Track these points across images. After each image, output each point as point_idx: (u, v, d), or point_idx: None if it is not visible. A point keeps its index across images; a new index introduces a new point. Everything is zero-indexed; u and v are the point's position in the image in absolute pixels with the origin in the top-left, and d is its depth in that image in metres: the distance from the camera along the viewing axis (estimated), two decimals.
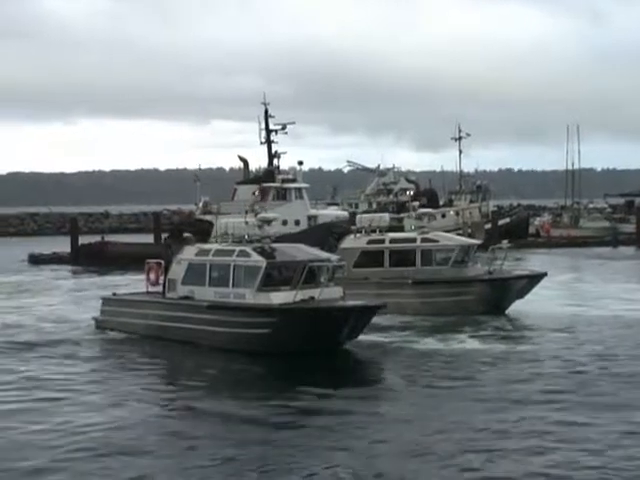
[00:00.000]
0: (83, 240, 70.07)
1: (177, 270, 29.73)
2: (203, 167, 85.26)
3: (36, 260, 67.41)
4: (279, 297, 26.49)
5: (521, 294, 34.38)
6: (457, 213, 76.85)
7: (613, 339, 28.61)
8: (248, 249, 27.88)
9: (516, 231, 74.35)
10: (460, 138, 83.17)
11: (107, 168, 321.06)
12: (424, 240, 34.67)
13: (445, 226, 72.64)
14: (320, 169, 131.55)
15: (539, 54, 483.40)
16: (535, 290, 35.71)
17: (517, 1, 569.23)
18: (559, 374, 23.39)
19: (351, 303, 27.11)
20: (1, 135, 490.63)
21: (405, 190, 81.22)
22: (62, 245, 71.58)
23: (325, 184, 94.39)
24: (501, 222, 76.52)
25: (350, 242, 36.31)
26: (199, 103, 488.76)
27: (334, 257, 29.15)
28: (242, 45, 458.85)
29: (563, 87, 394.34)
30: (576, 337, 29.26)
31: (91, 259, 63.90)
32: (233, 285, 27.57)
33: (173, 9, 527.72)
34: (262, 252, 27.52)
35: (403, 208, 74.73)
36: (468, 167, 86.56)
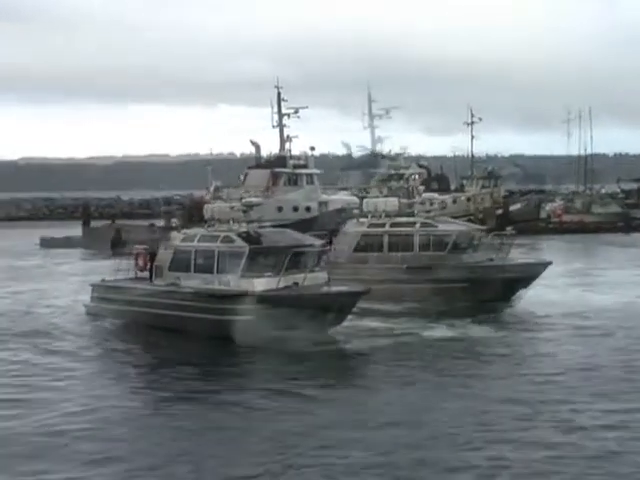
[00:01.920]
0: (95, 225, 71.57)
1: (164, 256, 29.24)
2: (214, 152, 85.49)
3: (48, 244, 67.80)
4: (261, 283, 26.25)
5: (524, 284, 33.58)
6: (468, 199, 76.73)
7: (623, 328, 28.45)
8: (232, 234, 27.55)
9: (527, 217, 74.09)
10: (472, 123, 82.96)
11: (119, 154, 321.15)
12: (423, 225, 34.13)
13: (456, 212, 72.81)
14: (330, 154, 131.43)
15: (550, 37, 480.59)
16: (549, 277, 35.46)
17: None
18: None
19: (335, 289, 26.78)
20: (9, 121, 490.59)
21: (417, 175, 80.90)
22: (74, 229, 72.62)
23: (335, 169, 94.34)
24: (512, 207, 76.31)
25: (352, 226, 35.91)
26: (207, 88, 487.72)
27: (318, 242, 28.84)
28: (248, 29, 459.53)
29: (575, 72, 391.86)
30: (586, 326, 29.03)
31: (102, 243, 63.79)
32: (217, 271, 27.22)
33: None
34: (246, 237, 27.19)
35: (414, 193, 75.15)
36: (479, 152, 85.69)
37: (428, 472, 15.33)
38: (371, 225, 34.95)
